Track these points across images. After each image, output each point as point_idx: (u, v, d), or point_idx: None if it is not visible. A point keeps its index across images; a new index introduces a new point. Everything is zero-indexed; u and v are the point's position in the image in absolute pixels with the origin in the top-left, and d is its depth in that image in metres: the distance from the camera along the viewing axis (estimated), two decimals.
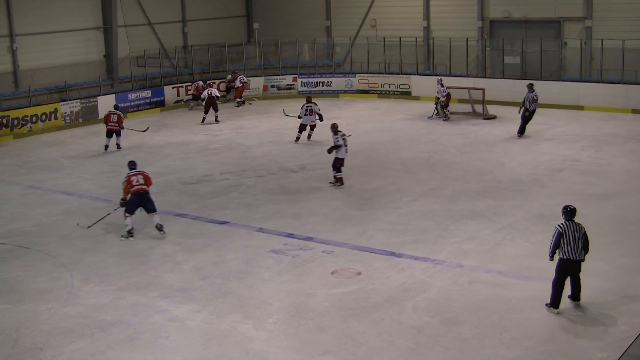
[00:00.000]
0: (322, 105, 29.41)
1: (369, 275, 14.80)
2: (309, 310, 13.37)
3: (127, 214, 17.73)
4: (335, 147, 21.12)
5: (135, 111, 34.35)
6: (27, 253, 16.95)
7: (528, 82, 28.40)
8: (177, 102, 35.83)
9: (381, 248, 16.30)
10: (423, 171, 22.51)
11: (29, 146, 28.45)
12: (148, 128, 29.29)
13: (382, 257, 15.81)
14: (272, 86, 38.38)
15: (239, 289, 14.45)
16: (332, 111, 31.17)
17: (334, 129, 21.49)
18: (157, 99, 35.45)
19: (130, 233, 17.74)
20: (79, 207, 20.40)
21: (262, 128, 30.08)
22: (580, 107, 31.57)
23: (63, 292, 14.61)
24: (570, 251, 12.91)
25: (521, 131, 26.79)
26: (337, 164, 21.30)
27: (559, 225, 13.02)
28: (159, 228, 17.66)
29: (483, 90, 30.86)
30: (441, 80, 30.95)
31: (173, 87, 36.35)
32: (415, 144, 26.43)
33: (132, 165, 18.36)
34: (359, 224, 18.08)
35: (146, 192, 17.76)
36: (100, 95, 33.81)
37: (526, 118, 26.71)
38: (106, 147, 26.80)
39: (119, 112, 27.48)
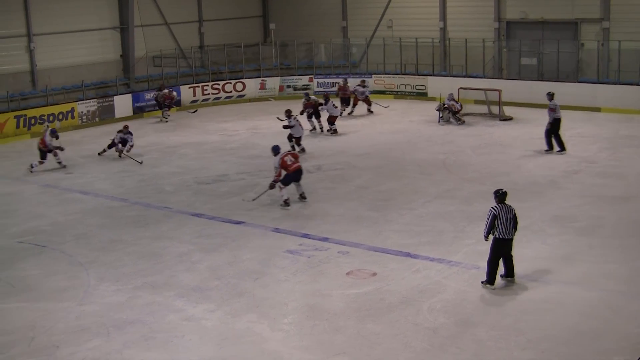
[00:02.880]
0: (338, 105, 29.49)
1: (384, 276, 14.80)
2: (324, 310, 13.38)
3: (282, 186, 19.66)
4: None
5: (151, 111, 34.42)
6: (43, 252, 17.04)
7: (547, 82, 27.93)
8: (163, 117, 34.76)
9: (397, 249, 16.28)
10: (439, 172, 22.47)
11: None
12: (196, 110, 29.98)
13: (397, 258, 15.80)
14: (288, 86, 38.41)
15: (255, 289, 14.48)
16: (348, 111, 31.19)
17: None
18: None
19: (287, 202, 19.63)
20: (95, 207, 20.49)
21: (277, 128, 29.93)
22: (597, 109, 31.43)
23: (79, 291, 14.68)
24: (503, 231, 13.87)
25: (549, 145, 24.59)
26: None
27: (493, 208, 13.98)
28: (302, 196, 20.03)
29: (499, 91, 30.76)
30: (453, 96, 30.57)
31: (189, 87, 36.42)
32: (431, 145, 26.39)
33: (276, 149, 20.14)
34: (375, 224, 18.08)
35: (301, 169, 19.91)
36: (116, 95, 33.97)
37: (548, 131, 24.58)
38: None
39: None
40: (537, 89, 32.87)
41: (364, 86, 32.91)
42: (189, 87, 36.43)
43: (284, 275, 15.09)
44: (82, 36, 35.15)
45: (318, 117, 28.90)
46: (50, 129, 24.61)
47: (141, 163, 24.85)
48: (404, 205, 19.51)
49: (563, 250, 15.88)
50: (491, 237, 14.07)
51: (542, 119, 29.63)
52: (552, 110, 24.48)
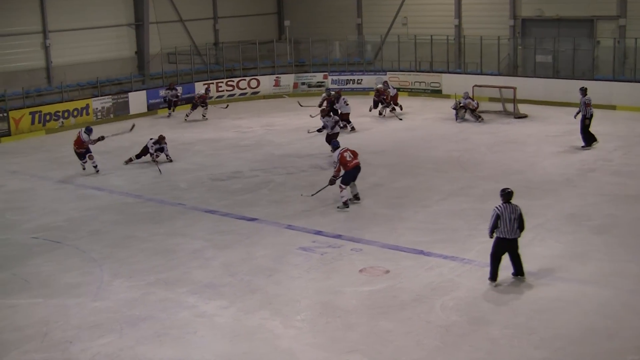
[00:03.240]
0: (352, 103, 29.42)
1: (397, 274, 14.78)
2: (337, 307, 13.37)
3: (342, 186, 19.16)
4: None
5: (165, 107, 34.49)
6: (58, 247, 17.10)
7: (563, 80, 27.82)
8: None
9: (410, 247, 16.26)
10: (453, 170, 22.42)
11: (61, 142, 28.60)
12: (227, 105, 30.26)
13: (411, 255, 15.78)
14: (303, 83, 38.42)
15: (268, 285, 14.49)
16: (361, 109, 31.12)
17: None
18: (188, 96, 35.48)
19: (346, 204, 19.16)
20: (110, 203, 20.55)
21: (292, 125, 30.09)
22: (612, 107, 31.27)
23: (93, 287, 14.73)
24: (506, 231, 13.84)
25: (586, 141, 24.60)
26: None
27: (496, 207, 13.93)
28: (357, 197, 19.54)
29: (514, 89, 30.66)
30: (468, 94, 30.59)
31: (204, 84, 36.45)
32: (445, 142, 26.34)
33: (336, 144, 19.92)
34: (388, 222, 18.06)
35: (360, 166, 19.33)
36: (131, 92, 34.08)
37: (587, 126, 24.55)
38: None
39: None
40: (553, 87, 32.92)
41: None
42: (204, 84, 36.43)
43: (297, 272, 15.09)
44: (97, 33, 35.29)
45: (335, 113, 28.92)
46: (84, 128, 24.16)
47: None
48: (418, 202, 19.48)
49: (577, 249, 15.82)
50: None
51: (557, 116, 29.76)
52: (589, 105, 24.43)
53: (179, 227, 18.26)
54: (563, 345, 11.79)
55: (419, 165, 23.38)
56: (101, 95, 32.92)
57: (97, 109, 32.37)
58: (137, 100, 33.90)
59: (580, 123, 24.84)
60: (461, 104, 29.99)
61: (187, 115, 32.56)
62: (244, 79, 37.68)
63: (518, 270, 14.23)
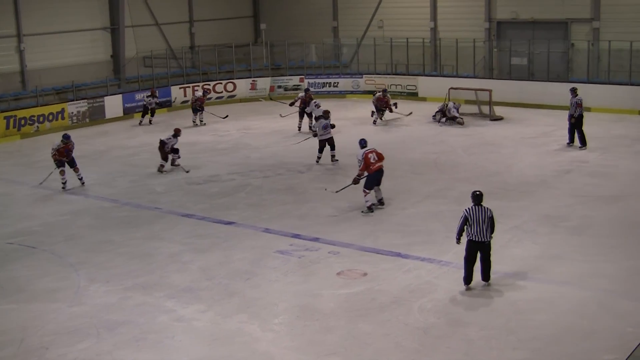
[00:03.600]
0: (329, 106, 29.35)
1: (375, 276, 14.79)
2: (315, 311, 13.37)
3: (366, 190, 18.81)
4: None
5: (141, 111, 34.35)
6: (34, 253, 16.99)
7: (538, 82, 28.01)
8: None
9: (388, 249, 16.29)
10: (430, 172, 22.48)
11: (36, 146, 28.48)
12: (227, 116, 30.04)
13: (388, 258, 15.80)
14: (279, 87, 38.37)
15: (245, 289, 14.46)
16: (339, 112, 31.14)
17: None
18: (164, 100, 35.40)
19: (370, 209, 18.87)
20: (86, 207, 20.44)
21: (269, 129, 30.06)
22: (587, 109, 31.28)
23: (70, 292, 14.65)
24: (476, 233, 13.72)
25: (571, 140, 25.19)
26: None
27: (465, 210, 13.88)
28: (381, 202, 19.17)
29: (490, 91, 30.81)
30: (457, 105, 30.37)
31: (180, 88, 36.35)
32: (422, 145, 26.40)
33: (363, 143, 19.34)
34: (366, 224, 18.08)
35: (382, 169, 18.93)
36: (107, 96, 33.88)
37: (573, 125, 25.12)
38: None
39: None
40: (528, 89, 33.10)
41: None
42: (180, 88, 36.35)
43: (275, 275, 15.08)
44: (73, 37, 35.09)
45: (308, 116, 29.02)
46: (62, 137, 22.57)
47: (188, 172, 24.21)
48: (396, 205, 19.51)
49: (554, 250, 15.91)
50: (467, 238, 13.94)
51: (533, 118, 29.98)
52: (580, 105, 24.84)
53: (156, 231, 18.19)
54: (541, 345, 11.84)
55: (396, 167, 23.36)
56: (77, 100, 32.71)
57: (72, 113, 32.17)
58: (113, 104, 33.73)
59: (569, 123, 25.25)
60: (440, 110, 30.00)
61: (194, 122, 31.90)
62: (220, 83, 37.59)
63: (485, 276, 14.09)
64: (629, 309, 13.08)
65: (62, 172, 22.13)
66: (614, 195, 19.77)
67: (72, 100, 32.58)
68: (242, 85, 37.98)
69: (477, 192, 13.98)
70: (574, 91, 25.37)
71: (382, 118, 30.86)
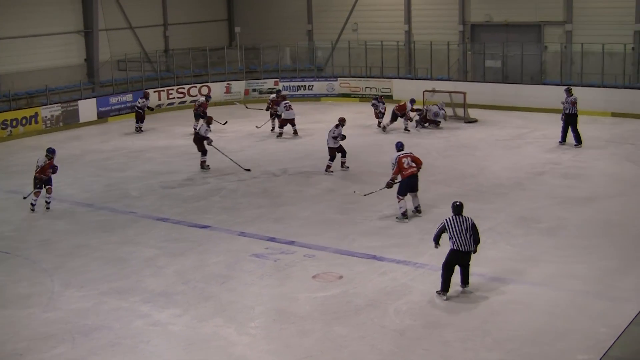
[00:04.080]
0: (304, 109, 29.52)
1: (350, 279, 14.81)
2: (291, 314, 13.36)
3: (399, 196, 18.26)
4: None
5: (116, 115, 34.23)
6: (7, 258, 16.86)
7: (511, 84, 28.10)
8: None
9: (363, 252, 16.31)
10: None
11: (9, 150, 28.31)
12: (226, 122, 29.61)
13: (363, 260, 15.83)
14: (254, 90, 38.32)
15: (221, 293, 14.43)
16: (313, 115, 31.18)
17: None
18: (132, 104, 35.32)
19: (404, 215, 18.28)
20: (60, 212, 20.30)
21: (243, 132, 30.00)
22: (560, 111, 31.63)
23: (44, 298, 14.54)
24: (459, 243, 13.58)
25: (564, 139, 25.79)
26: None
27: (445, 220, 13.84)
28: (417, 209, 18.50)
29: (464, 93, 30.95)
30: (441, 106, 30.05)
31: (154, 91, 36.19)
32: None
33: (399, 146, 18.79)
34: (341, 227, 18.10)
35: (416, 175, 18.30)
36: (81, 100, 33.64)
37: (566, 124, 25.66)
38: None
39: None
40: (502, 92, 33.28)
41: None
42: (154, 91, 36.18)
43: (250, 279, 15.05)
44: (46, 40, 34.87)
45: (277, 117, 29.21)
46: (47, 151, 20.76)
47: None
48: (371, 207, 19.53)
49: (528, 251, 16.00)
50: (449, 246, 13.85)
51: (506, 120, 30.11)
52: (574, 104, 25.43)
53: (131, 235, 18.12)
54: (516, 346, 11.90)
55: (371, 170, 23.44)
56: (50, 104, 32.45)
57: (46, 117, 31.95)
58: (87, 108, 33.52)
59: (563, 123, 25.83)
60: (419, 111, 29.91)
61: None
62: (195, 86, 37.47)
63: (463, 280, 14.05)
64: (602, 309, 13.18)
65: (37, 194, 20.32)
66: (587, 196, 19.91)
67: (46, 105, 32.32)
68: (217, 89, 37.86)
69: (457, 203, 13.90)
70: (568, 91, 25.87)
71: (385, 125, 29.85)
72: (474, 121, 30.47)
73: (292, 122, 28.75)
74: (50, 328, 13.16)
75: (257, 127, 29.93)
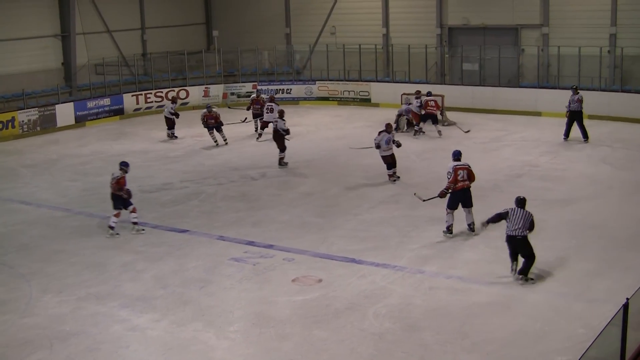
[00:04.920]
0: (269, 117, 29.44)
1: (330, 282, 14.80)
2: (271, 318, 13.33)
3: (448, 209, 17.28)
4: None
5: (94, 119, 34.08)
6: None
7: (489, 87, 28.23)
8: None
9: (342, 255, 16.31)
10: (383, 178, 22.51)
11: None
12: (246, 118, 29.70)
13: (343, 264, 15.82)
14: (232, 94, 38.27)
15: (200, 297, 14.38)
16: (292, 118, 31.03)
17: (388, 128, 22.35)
18: (117, 107, 35.20)
19: (449, 229, 17.27)
20: (38, 217, 20.18)
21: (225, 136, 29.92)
22: (538, 113, 31.88)
23: (21, 303, 14.44)
24: (511, 228, 14.52)
25: (567, 135, 26.84)
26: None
27: (510, 209, 14.71)
28: (470, 227, 17.34)
29: (442, 96, 31.00)
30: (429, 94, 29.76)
31: (132, 95, 36.06)
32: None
33: (456, 155, 17.67)
34: (320, 231, 18.08)
35: (469, 189, 17.33)
36: (58, 104, 33.44)
37: (571, 121, 26.66)
38: None
39: None
40: (479, 94, 33.39)
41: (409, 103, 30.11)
42: (132, 95, 36.07)
43: (229, 283, 15.02)
44: (22, 44, 34.66)
45: (261, 117, 29.27)
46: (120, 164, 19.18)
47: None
48: (349, 211, 19.55)
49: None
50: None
51: (484, 123, 30.21)
52: (580, 102, 26.31)
53: (108, 240, 18.01)
54: (494, 348, 11.94)
55: (350, 173, 23.46)
56: (27, 108, 32.24)
57: (23, 121, 31.72)
58: (65, 112, 33.31)
59: (568, 119, 26.71)
60: (401, 113, 29.90)
61: (215, 142, 28.75)
62: (173, 90, 37.33)
63: (525, 269, 14.56)
64: (580, 311, 13.24)
65: (118, 215, 18.39)
66: (564, 198, 20.01)
67: (23, 109, 32.10)
68: (195, 93, 37.80)
69: (521, 197, 14.84)
70: (575, 90, 26.70)
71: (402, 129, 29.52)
72: (452, 124, 30.46)
73: (268, 124, 28.93)
74: (27, 334, 13.06)
75: (242, 120, 30.10)
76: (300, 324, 13.04)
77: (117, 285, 15.12)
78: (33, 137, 31.45)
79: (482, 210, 18.97)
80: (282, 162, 24.59)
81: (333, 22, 39.79)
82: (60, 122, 33.02)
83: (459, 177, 17.12)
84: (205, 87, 38.04)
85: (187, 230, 18.52)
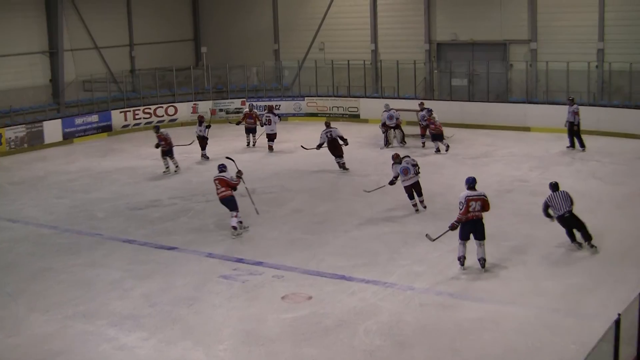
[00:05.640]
0: (266, 129, 29.41)
1: (320, 300, 14.72)
2: (260, 336, 13.24)
3: (459, 239, 16.10)
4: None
5: (82, 136, 33.97)
6: None
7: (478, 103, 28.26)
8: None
9: (332, 272, 16.23)
10: (373, 194, 22.37)
11: None
12: (193, 141, 29.12)
13: (332, 281, 15.74)
14: (221, 110, 38.20)
15: (189, 315, 14.28)
16: (280, 134, 31.04)
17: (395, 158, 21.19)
18: (104, 124, 35.10)
19: (460, 261, 16.03)
20: (25, 235, 20.04)
21: (211, 152, 29.76)
22: (527, 128, 31.93)
23: (8, 322, 14.31)
24: (558, 209, 16.92)
25: (572, 144, 27.80)
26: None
27: (547, 198, 17.22)
28: (481, 263, 15.97)
29: (431, 111, 30.94)
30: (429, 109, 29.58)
31: (120, 112, 35.97)
32: (364, 166, 26.45)
33: (470, 183, 16.35)
34: (309, 247, 18.00)
35: (481, 220, 16.04)
36: (46, 120, 33.33)
37: (571, 131, 27.64)
38: None
39: None
40: (468, 110, 33.44)
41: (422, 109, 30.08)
42: (120, 112, 35.98)
43: (218, 300, 14.92)
44: (10, 61, 34.49)
45: (254, 132, 29.38)
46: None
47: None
48: (339, 227, 19.48)
49: (497, 269, 15.99)
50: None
51: (473, 138, 30.22)
52: (577, 113, 27.32)
53: (96, 257, 17.89)
54: None
55: (339, 189, 23.43)
56: (14, 125, 32.14)
57: (10, 138, 31.59)
58: (52, 129, 33.19)
59: (568, 130, 27.62)
60: (387, 123, 29.73)
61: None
62: (161, 107, 37.30)
63: (585, 237, 16.91)
64: (571, 326, 13.20)
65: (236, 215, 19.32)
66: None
67: (10, 125, 31.98)
68: (183, 109, 37.74)
69: (554, 182, 17.51)
70: (571, 101, 27.64)
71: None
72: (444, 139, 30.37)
73: (269, 136, 29.60)
74: (14, 353, 12.94)
75: (230, 121, 30.41)
76: (290, 342, 12.96)
77: (105, 304, 15.00)
78: (20, 153, 31.31)
79: None
80: (343, 167, 25.91)
81: (322, 38, 39.82)
82: (47, 139, 32.89)
83: (470, 209, 15.94)
84: (194, 104, 37.98)
85: (176, 248, 18.41)
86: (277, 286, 15.56)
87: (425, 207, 20.77)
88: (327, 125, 26.75)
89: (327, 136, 25.98)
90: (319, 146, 26.24)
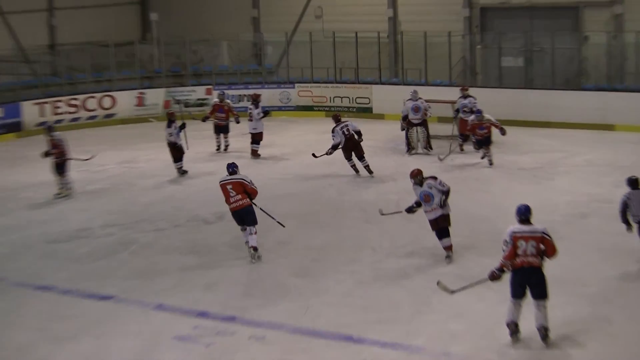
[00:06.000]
0: (248, 128, 29.32)
1: None
2: None
3: (511, 298, 15.00)
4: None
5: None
6: None
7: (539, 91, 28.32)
8: None
9: (333, 330, 16.04)
10: (391, 219, 22.19)
11: None
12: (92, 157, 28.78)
13: (334, 343, 15.57)
14: (178, 102, 37.90)
15: None
16: (264, 136, 30.98)
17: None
18: (12, 121, 35.02)
19: (510, 329, 14.95)
20: None
21: (161, 161, 29.68)
22: (609, 127, 31.84)
23: None
24: (636, 213, 18.13)
25: None
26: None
27: (625, 196, 18.27)
28: (542, 333, 14.82)
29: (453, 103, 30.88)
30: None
31: (34, 104, 35.87)
32: (378, 181, 26.37)
33: (521, 214, 15.50)
34: (301, 296, 17.85)
35: (539, 269, 14.73)
36: None
37: None
38: None
39: None
40: (525, 101, 33.31)
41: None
42: (34, 104, 35.86)
43: None
44: None
45: (226, 132, 29.45)
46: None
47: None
48: (343, 267, 19.33)
49: (573, 327, 15.75)
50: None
51: (531, 141, 30.29)
52: None
53: None
54: None
55: (343, 214, 23.31)
56: None
57: None
58: None
59: None
60: (409, 118, 29.72)
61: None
62: (94, 97, 37.34)
63: None
64: None
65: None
66: None
67: None
68: (125, 100, 37.79)
69: (633, 177, 18.40)
70: None
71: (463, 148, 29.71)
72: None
73: (253, 137, 30.17)
74: None
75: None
76: None
77: None
78: None
79: None
80: (369, 170, 26.59)
81: (319, 2, 39.85)
82: None
83: (519, 251, 14.80)
84: (140, 93, 37.97)
85: (112, 297, 18.24)
86: (256, 351, 15.36)
87: (449, 256, 19.62)
88: (338, 119, 26.86)
89: (343, 133, 25.97)
90: (334, 148, 26.51)
